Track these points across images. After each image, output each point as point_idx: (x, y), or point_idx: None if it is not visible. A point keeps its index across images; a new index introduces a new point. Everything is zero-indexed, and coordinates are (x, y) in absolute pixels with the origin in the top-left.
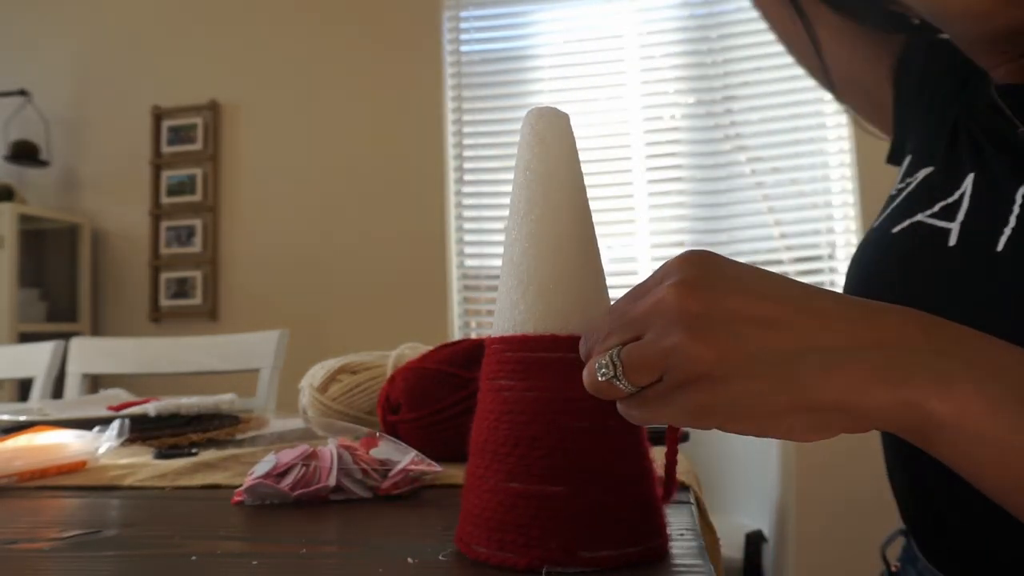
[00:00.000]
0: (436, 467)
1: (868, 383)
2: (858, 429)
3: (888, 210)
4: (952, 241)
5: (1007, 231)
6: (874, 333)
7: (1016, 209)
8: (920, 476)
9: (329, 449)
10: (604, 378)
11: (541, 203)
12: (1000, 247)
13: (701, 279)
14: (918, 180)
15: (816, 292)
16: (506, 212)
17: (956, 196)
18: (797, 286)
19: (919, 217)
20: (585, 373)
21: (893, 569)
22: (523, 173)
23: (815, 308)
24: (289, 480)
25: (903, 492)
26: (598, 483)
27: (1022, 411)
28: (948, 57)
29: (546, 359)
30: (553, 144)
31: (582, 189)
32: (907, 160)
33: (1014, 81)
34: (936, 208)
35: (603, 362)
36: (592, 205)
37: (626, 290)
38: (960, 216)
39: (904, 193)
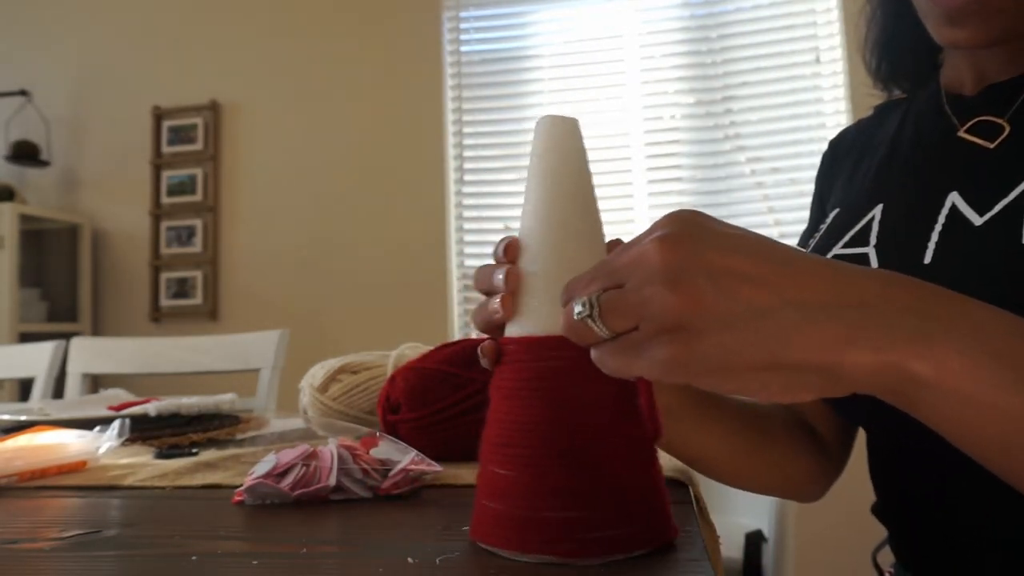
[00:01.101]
0: (436, 467)
1: (846, 341)
2: (835, 391)
3: (808, 250)
4: (874, 263)
5: (932, 241)
6: (854, 292)
7: (942, 218)
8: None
9: (329, 449)
10: (579, 317)
11: (553, 209)
12: (928, 259)
13: (684, 234)
14: (827, 222)
15: (799, 253)
16: (506, 212)
17: (864, 222)
18: (781, 246)
19: (835, 250)
20: (563, 317)
21: (886, 575)
22: (536, 180)
23: (796, 266)
24: (289, 480)
25: (888, 516)
26: (624, 475)
27: (1003, 369)
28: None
29: (564, 358)
30: (564, 150)
31: (593, 194)
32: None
33: (966, 92)
34: (846, 238)
35: (581, 302)
36: None
37: None
38: (872, 240)
39: (816, 237)
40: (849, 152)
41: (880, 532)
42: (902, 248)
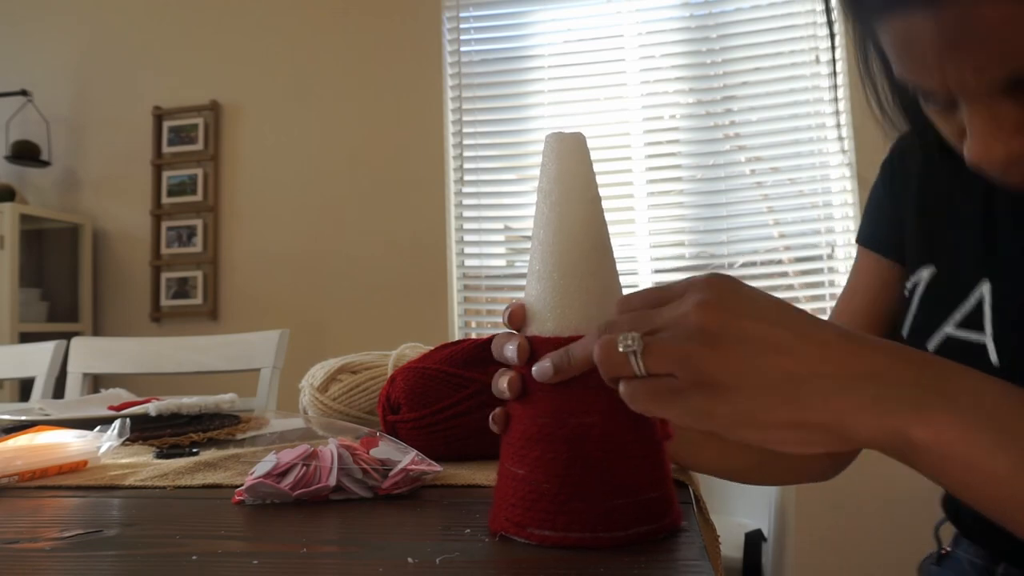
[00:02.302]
0: (436, 467)
1: (859, 411)
2: (844, 448)
3: (910, 315)
4: (994, 359)
5: None
6: (866, 365)
7: None
8: None
9: (329, 449)
10: (625, 349)
11: (564, 221)
12: None
13: (721, 300)
14: (923, 282)
15: (818, 322)
16: (506, 212)
17: (974, 300)
18: (803, 315)
19: (946, 330)
20: (599, 345)
21: (944, 551)
22: (547, 194)
23: (817, 338)
24: (289, 480)
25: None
26: (646, 469)
27: (994, 435)
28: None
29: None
30: (573, 166)
31: (599, 205)
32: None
33: None
34: (957, 317)
35: (629, 336)
36: None
37: (629, 290)
38: (988, 327)
39: (916, 296)
40: (916, 157)
41: (881, 531)
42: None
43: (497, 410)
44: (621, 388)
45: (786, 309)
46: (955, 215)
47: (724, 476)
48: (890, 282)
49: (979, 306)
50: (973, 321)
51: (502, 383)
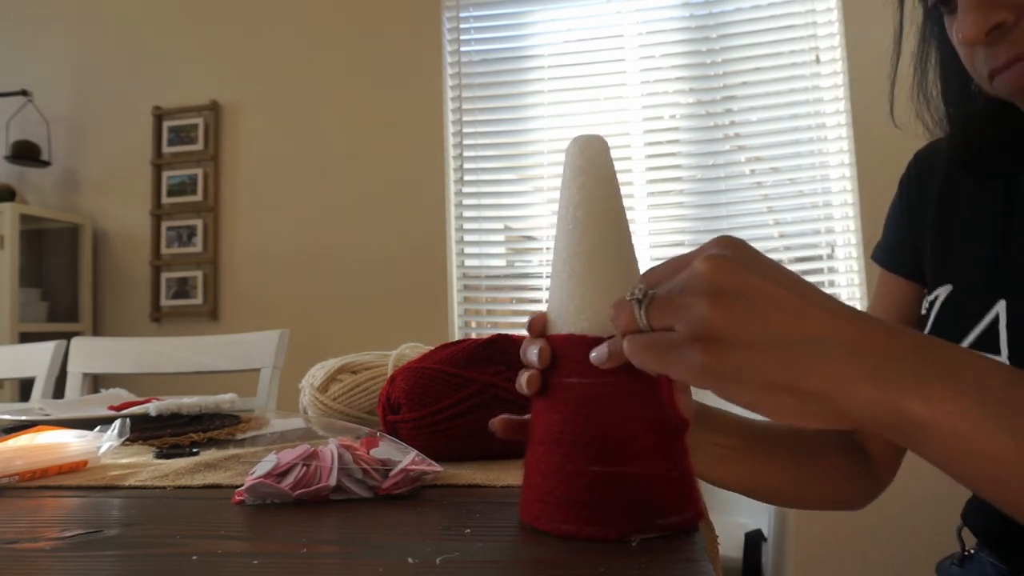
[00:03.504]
0: (437, 467)
1: (858, 381)
2: (840, 423)
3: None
4: None
5: None
6: (870, 338)
7: None
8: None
9: (330, 449)
10: (630, 298)
11: (592, 224)
12: None
13: (730, 256)
14: (939, 300)
15: (826, 294)
16: (506, 212)
17: (989, 320)
18: (811, 285)
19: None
20: (616, 303)
21: (968, 553)
22: (570, 197)
23: (825, 305)
24: (290, 480)
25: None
26: (664, 460)
27: (997, 412)
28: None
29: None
30: (598, 168)
31: (622, 207)
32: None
33: None
34: (972, 338)
35: (637, 288)
36: None
37: None
38: (1004, 348)
39: (932, 315)
40: (933, 174)
41: (881, 531)
42: None
43: (498, 417)
44: (624, 344)
45: (795, 276)
46: (972, 233)
47: (756, 495)
48: (906, 301)
49: (994, 324)
50: (988, 340)
51: (523, 379)
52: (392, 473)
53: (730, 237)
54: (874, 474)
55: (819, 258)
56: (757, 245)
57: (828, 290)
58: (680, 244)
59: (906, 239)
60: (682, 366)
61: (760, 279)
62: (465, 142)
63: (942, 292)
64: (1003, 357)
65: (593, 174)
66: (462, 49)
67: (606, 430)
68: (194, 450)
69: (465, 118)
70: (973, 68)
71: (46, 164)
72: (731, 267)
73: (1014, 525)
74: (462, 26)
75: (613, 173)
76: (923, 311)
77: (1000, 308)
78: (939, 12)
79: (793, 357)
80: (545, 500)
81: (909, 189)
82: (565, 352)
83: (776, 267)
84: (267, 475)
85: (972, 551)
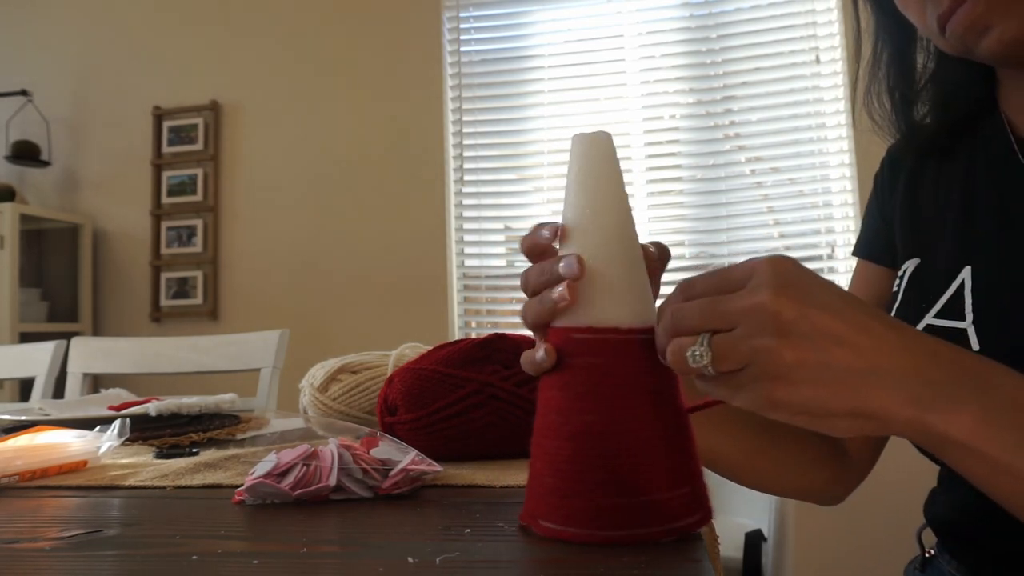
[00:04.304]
0: (436, 467)
1: (904, 404)
2: (881, 433)
3: (894, 309)
4: (975, 345)
5: None
6: (913, 362)
7: None
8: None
9: (330, 449)
10: (695, 364)
11: (598, 217)
12: None
13: (795, 290)
14: (906, 275)
15: (869, 311)
16: (506, 212)
17: (954, 289)
18: (855, 302)
19: (927, 321)
20: (672, 352)
21: (928, 554)
22: (576, 191)
23: (873, 331)
24: (290, 480)
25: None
26: (678, 457)
27: (1019, 436)
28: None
29: (620, 343)
30: (603, 164)
31: (627, 202)
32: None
33: None
34: (938, 307)
35: (697, 350)
36: None
37: None
38: (968, 314)
39: (901, 289)
40: (903, 166)
41: (881, 531)
42: (1004, 326)
43: (548, 345)
44: (697, 381)
45: (843, 297)
46: (937, 210)
47: (715, 465)
48: (885, 288)
49: (960, 292)
50: (954, 308)
51: (557, 291)
52: (392, 473)
53: (783, 260)
54: (848, 464)
55: (819, 258)
56: (757, 245)
57: None
58: (680, 244)
59: (880, 227)
60: (752, 401)
61: (820, 313)
62: (465, 142)
63: (910, 265)
64: (968, 322)
65: (601, 172)
66: (462, 49)
67: (586, 433)
68: (194, 450)
69: (465, 118)
70: (925, 26)
71: (46, 164)
72: (795, 304)
73: (969, 525)
74: (462, 26)
75: (619, 169)
76: (894, 289)
77: (965, 274)
78: (884, 7)
79: (854, 388)
80: (532, 496)
81: (881, 182)
82: (572, 344)
83: (827, 292)
84: (267, 475)
85: (932, 552)
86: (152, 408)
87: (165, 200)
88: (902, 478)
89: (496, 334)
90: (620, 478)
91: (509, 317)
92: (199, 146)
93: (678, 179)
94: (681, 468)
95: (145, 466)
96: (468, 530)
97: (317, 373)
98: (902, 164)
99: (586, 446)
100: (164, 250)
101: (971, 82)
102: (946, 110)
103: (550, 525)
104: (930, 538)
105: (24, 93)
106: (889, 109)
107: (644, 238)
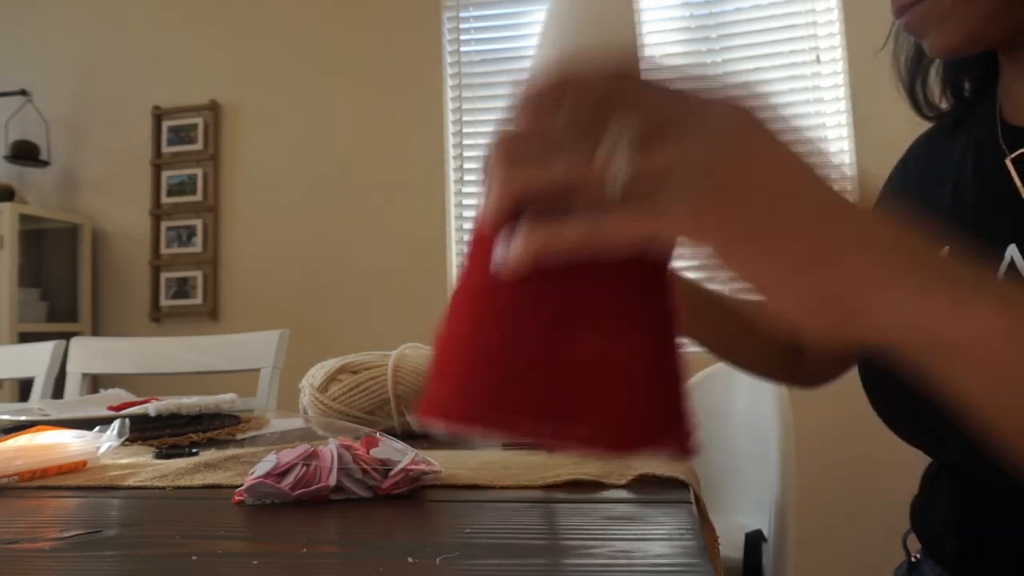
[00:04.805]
0: (436, 467)
1: (894, 276)
2: (847, 334)
3: None
4: None
5: None
6: (914, 251)
7: (1000, 276)
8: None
9: (329, 449)
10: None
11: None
12: None
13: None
14: None
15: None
16: None
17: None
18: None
19: None
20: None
21: (914, 559)
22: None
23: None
24: (289, 480)
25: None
26: (652, 337)
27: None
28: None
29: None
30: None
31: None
32: None
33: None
34: None
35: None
36: None
37: None
38: None
39: None
40: (917, 159)
41: (881, 531)
42: None
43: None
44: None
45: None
46: (929, 189)
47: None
48: None
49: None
50: None
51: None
52: (392, 473)
53: (748, 112)
54: (810, 373)
55: None
56: None
57: None
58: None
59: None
60: (673, 221)
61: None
62: (465, 142)
63: None
64: None
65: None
66: (462, 49)
67: (574, 289)
68: (194, 450)
69: (465, 118)
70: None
71: (45, 164)
72: (740, 157)
73: (952, 537)
74: (462, 26)
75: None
76: None
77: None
78: None
79: (820, 232)
80: (445, 379)
81: (891, 177)
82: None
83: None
84: (267, 475)
85: (917, 557)
86: (152, 408)
87: (165, 200)
88: (902, 478)
89: None
90: (578, 359)
91: None
92: (199, 146)
93: None
94: (663, 377)
95: (145, 466)
96: (468, 530)
97: (317, 373)
98: (907, 153)
99: (535, 311)
100: (164, 250)
101: (974, 59)
102: (952, 86)
103: (485, 415)
104: (916, 543)
105: (24, 93)
106: (904, 73)
107: None
